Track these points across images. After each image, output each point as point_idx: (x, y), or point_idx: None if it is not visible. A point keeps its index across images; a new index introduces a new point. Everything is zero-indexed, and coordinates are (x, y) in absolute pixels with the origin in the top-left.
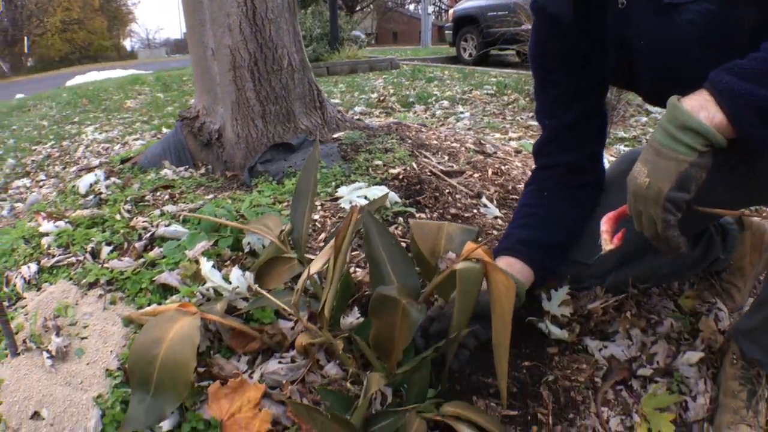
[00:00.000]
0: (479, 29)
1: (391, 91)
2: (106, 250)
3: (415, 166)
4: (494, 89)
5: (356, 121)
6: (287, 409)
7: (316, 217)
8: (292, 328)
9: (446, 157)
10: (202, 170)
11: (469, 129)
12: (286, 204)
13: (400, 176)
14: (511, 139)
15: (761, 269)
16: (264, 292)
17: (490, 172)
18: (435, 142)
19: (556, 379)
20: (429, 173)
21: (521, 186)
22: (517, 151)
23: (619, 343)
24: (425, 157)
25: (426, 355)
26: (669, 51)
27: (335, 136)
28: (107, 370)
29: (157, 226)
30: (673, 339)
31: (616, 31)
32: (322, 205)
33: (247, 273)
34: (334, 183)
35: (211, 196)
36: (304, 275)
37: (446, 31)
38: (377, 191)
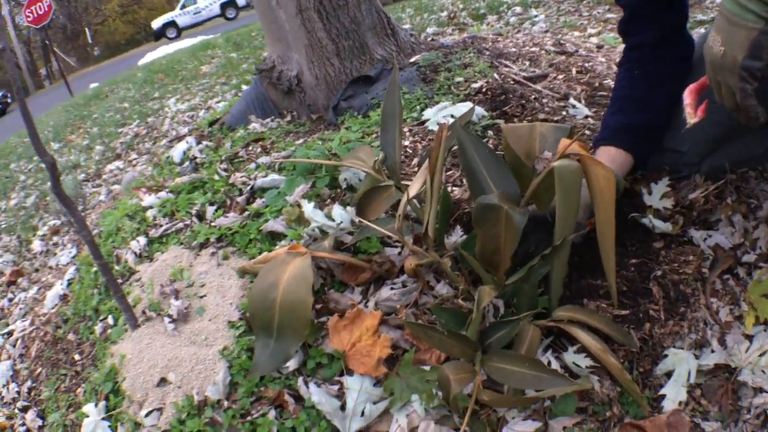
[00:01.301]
0: None
1: (461, 6)
2: (210, 210)
3: (496, 76)
4: None
5: (430, 42)
6: (404, 332)
7: (406, 143)
8: (399, 254)
9: (527, 63)
10: (288, 118)
11: (545, 31)
12: (375, 136)
13: (483, 89)
14: (590, 35)
15: None
16: (368, 223)
17: (574, 71)
18: (513, 49)
19: (664, 273)
20: (512, 82)
21: (608, 81)
22: (599, 47)
23: (722, 231)
24: (505, 66)
25: (534, 263)
26: None
27: (412, 60)
28: (229, 322)
29: (255, 178)
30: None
31: None
32: (410, 130)
33: (349, 208)
34: (418, 107)
35: (300, 141)
36: (404, 200)
37: None
38: (463, 108)
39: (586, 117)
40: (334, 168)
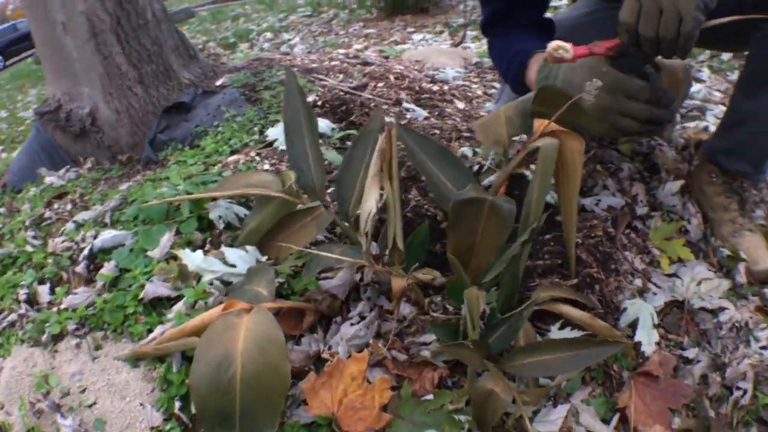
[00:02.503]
0: None
1: (205, 38)
2: (43, 290)
3: (322, 90)
4: (309, 10)
5: (223, 65)
6: (388, 367)
7: (266, 166)
8: (340, 285)
9: (340, 76)
10: (88, 165)
11: (309, 52)
12: (221, 165)
13: (319, 102)
14: (358, 51)
15: (678, 105)
16: (320, 252)
17: (392, 78)
18: (315, 65)
19: (582, 240)
20: (342, 93)
21: (426, 85)
22: (386, 57)
23: (604, 194)
24: (321, 80)
25: (515, 252)
26: None
27: (219, 83)
28: (153, 429)
29: (83, 239)
30: (637, 179)
31: None
32: (258, 153)
33: (249, 248)
34: (257, 128)
35: (124, 186)
36: (367, 215)
37: None
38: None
39: (427, 118)
40: (198, 208)
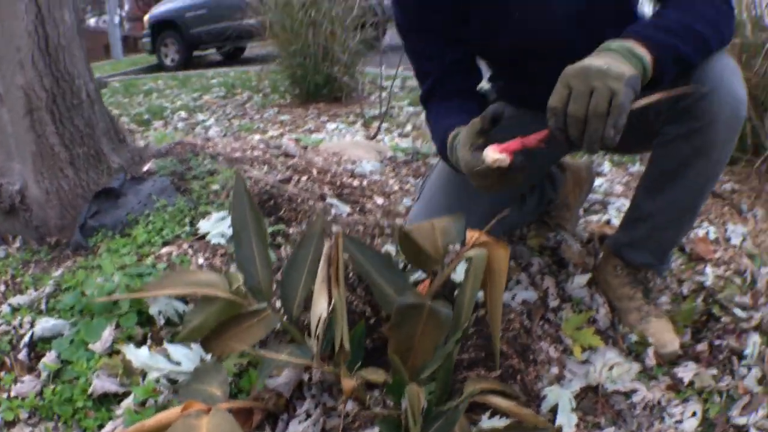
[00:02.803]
0: (179, 32)
1: (118, 112)
2: None
3: (249, 182)
4: (223, 90)
5: (147, 147)
6: None
7: (201, 260)
8: (286, 383)
9: (265, 167)
10: (17, 243)
11: (224, 135)
12: (155, 256)
13: None
14: (272, 137)
15: (582, 200)
16: (271, 355)
17: (315, 172)
18: (239, 154)
19: (503, 333)
20: (268, 186)
21: (347, 180)
22: (304, 147)
23: (518, 288)
24: (247, 171)
25: (450, 350)
26: (538, 20)
27: (146, 168)
28: None
29: (21, 325)
30: (547, 273)
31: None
32: (191, 246)
33: (194, 345)
34: (187, 219)
35: (57, 272)
36: (318, 320)
37: (143, 39)
38: None
39: (350, 214)
40: (138, 302)
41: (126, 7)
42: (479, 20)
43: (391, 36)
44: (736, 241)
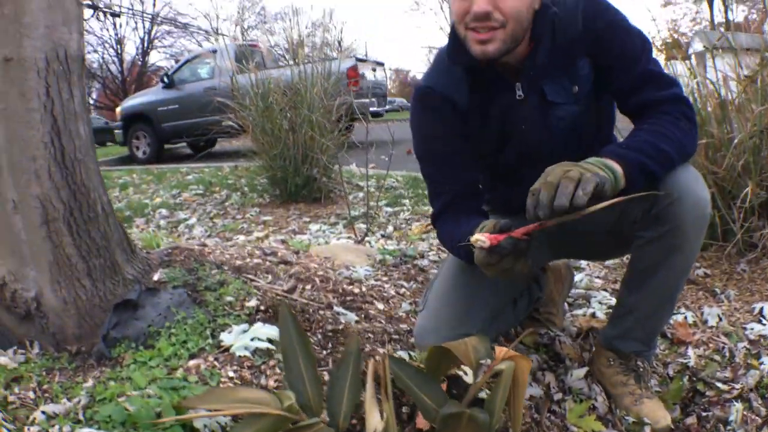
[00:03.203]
0: (151, 126)
1: None
2: None
3: (258, 292)
4: (201, 188)
5: (154, 254)
6: None
7: (230, 373)
8: None
9: (269, 276)
10: (35, 349)
11: (209, 235)
12: (183, 369)
13: (262, 307)
14: (258, 239)
15: (566, 294)
16: None
17: (318, 281)
18: (240, 262)
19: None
20: (276, 296)
21: (347, 287)
22: (296, 252)
23: None
24: (253, 281)
25: None
26: (540, 135)
27: (156, 278)
28: None
29: None
30: (546, 368)
31: (506, 116)
32: (216, 359)
33: None
34: (208, 331)
35: (90, 383)
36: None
37: (116, 131)
38: (266, 330)
39: (357, 321)
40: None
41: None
42: (494, 136)
43: (362, 132)
44: (712, 322)
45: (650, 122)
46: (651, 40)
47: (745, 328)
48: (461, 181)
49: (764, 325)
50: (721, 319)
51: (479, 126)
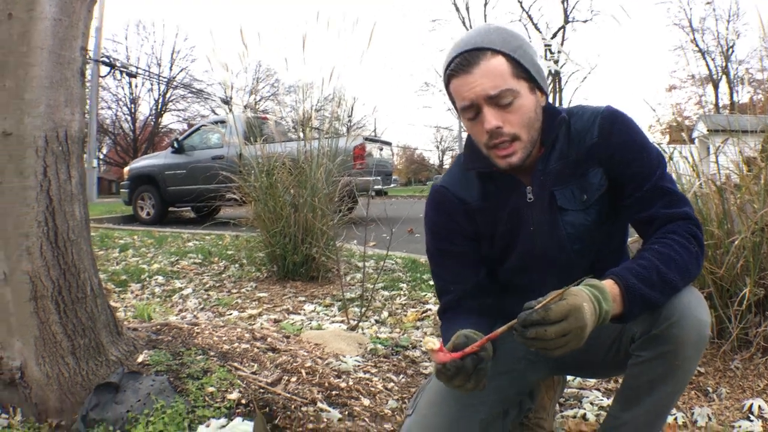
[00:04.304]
0: (157, 188)
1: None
2: None
3: (241, 383)
4: (200, 257)
5: (137, 332)
6: None
7: None
8: None
9: (254, 365)
10: (18, 416)
11: (202, 308)
12: None
13: (243, 401)
14: (251, 316)
15: (557, 399)
16: None
17: (304, 373)
18: (227, 346)
19: None
20: (259, 389)
21: (334, 380)
22: (287, 336)
23: None
24: (238, 369)
25: None
26: (548, 239)
27: (140, 360)
28: None
29: None
30: None
31: (515, 217)
32: None
33: None
34: (186, 422)
35: None
36: None
37: (122, 190)
38: (244, 427)
39: (341, 419)
40: None
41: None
42: (502, 237)
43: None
44: (702, 422)
45: (660, 243)
46: (665, 155)
47: (733, 427)
48: (467, 282)
49: (752, 421)
50: (710, 419)
51: (489, 226)
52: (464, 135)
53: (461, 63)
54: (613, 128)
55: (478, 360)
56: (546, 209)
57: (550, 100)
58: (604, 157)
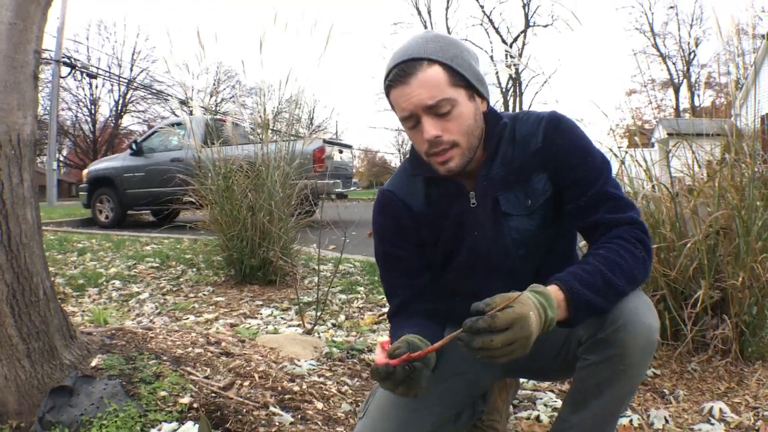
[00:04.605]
0: (116, 191)
1: (53, 270)
2: None
3: (195, 388)
4: (157, 261)
5: (91, 337)
6: None
7: None
8: None
9: (207, 369)
10: None
11: (159, 313)
12: None
13: (194, 405)
14: (208, 320)
15: (510, 401)
16: None
17: (257, 377)
18: (181, 351)
19: None
20: (211, 393)
21: (287, 384)
22: (242, 341)
23: None
24: (191, 374)
25: None
26: (492, 243)
27: (93, 364)
28: None
29: None
30: None
31: (460, 222)
32: None
33: None
34: (138, 426)
35: None
36: None
37: (81, 193)
38: (194, 431)
39: (293, 423)
40: None
41: (65, 152)
42: (447, 242)
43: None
44: (658, 424)
45: (605, 248)
46: (610, 161)
47: (692, 430)
48: (415, 285)
49: (713, 425)
50: (667, 421)
51: (433, 232)
52: None
53: (398, 74)
54: (557, 133)
55: (410, 370)
56: (490, 214)
57: (511, 105)
58: (548, 162)
